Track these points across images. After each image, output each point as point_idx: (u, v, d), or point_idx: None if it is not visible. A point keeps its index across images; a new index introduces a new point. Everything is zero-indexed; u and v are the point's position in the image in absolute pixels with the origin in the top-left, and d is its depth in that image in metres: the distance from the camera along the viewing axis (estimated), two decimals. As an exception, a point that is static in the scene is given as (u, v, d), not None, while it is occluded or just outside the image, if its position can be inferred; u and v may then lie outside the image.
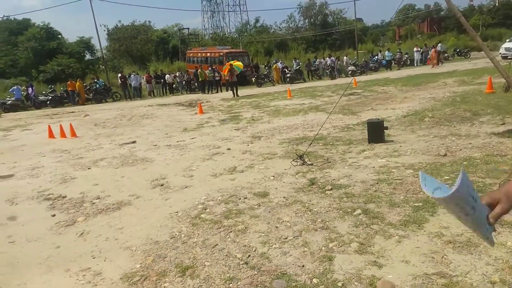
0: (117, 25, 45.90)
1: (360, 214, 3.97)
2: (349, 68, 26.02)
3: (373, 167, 5.56)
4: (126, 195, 5.41)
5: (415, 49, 30.25)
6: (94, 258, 3.64)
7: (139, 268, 3.34)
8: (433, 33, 53.33)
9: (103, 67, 34.31)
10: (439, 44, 28.10)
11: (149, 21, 50.38)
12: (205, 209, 4.59)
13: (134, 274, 3.24)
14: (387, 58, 29.26)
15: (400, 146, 6.57)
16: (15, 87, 22.35)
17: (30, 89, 22.24)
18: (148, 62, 41.11)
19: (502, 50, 24.78)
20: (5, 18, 43.88)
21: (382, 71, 27.41)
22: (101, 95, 23.43)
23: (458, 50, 33.40)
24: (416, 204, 4.07)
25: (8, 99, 21.95)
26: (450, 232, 3.39)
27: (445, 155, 5.73)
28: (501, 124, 7.22)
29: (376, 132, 6.98)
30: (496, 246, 3.09)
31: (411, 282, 2.75)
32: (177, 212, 4.60)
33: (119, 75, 25.24)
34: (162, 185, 5.77)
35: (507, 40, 26.69)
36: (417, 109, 9.92)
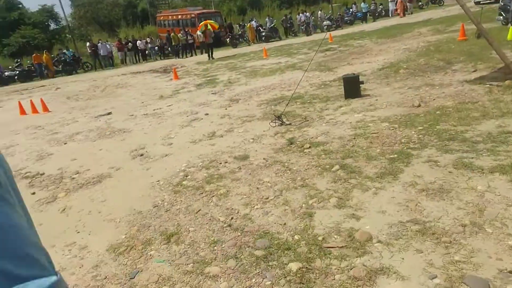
0: (79, -11, 43.42)
1: (338, 170, 4.07)
2: (324, 23, 25.60)
3: (350, 123, 5.64)
4: (106, 168, 5.37)
5: (389, -1, 29.84)
6: (79, 232, 3.66)
7: (124, 239, 3.38)
8: (408, -19, 52.37)
9: (70, 36, 32.78)
10: None
11: (114, -16, 47.75)
12: (187, 176, 4.61)
13: (120, 245, 3.29)
14: (363, 11, 28.85)
15: (376, 100, 6.65)
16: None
17: None
18: (117, 28, 39.45)
19: (475, -4, 24.70)
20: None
21: (357, 24, 27.10)
22: (71, 66, 22.51)
23: (432, -3, 33.07)
24: (391, 156, 4.18)
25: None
26: (423, 181, 3.53)
27: (419, 105, 5.84)
28: (473, 71, 7.34)
29: (352, 87, 7.01)
30: (467, 190, 3.25)
31: (387, 230, 2.89)
32: (158, 181, 4.61)
33: (88, 44, 24.20)
34: (141, 155, 5.74)
35: (480, -15, 26.53)
36: (392, 61, 9.95)
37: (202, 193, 4.07)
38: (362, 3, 29.41)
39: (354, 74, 7.40)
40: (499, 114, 4.88)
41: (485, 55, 8.33)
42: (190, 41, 23.16)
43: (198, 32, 20.68)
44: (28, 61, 23.22)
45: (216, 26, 22.94)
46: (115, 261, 3.08)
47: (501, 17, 12.40)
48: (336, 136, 5.15)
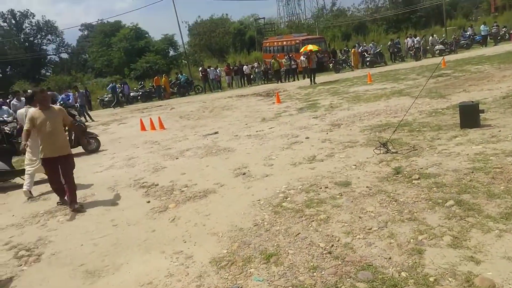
0: (197, 20, 48.12)
1: (452, 206, 3.70)
2: (437, 47, 24.02)
3: (467, 155, 5.11)
4: (211, 184, 5.70)
5: (516, 20, 26.78)
6: (185, 242, 3.91)
7: (226, 254, 3.51)
8: (539, 0, 46.60)
9: (185, 61, 36.20)
10: None
11: (226, 14, 51.96)
12: (286, 198, 4.64)
13: (222, 259, 3.42)
14: (482, 33, 26.36)
15: (499, 131, 5.94)
16: (111, 85, 24.65)
17: (125, 86, 24.30)
18: (226, 54, 42.39)
19: None
20: (99, 21, 48.58)
21: (475, 48, 24.85)
22: (184, 88, 24.80)
23: None
24: (520, 195, 3.66)
25: (105, 96, 24.32)
26: None
27: (556, 140, 5.05)
28: None
29: (470, 116, 6.38)
30: None
31: (516, 281, 2.50)
32: (259, 200, 4.72)
33: (200, 69, 26.44)
34: (244, 173, 5.96)
35: None
36: (519, 88, 8.84)
37: (301, 217, 4.04)
38: (482, 26, 26.96)
39: (472, 101, 6.74)
40: None
41: None
42: (293, 66, 23.71)
43: (302, 58, 21.08)
44: (150, 84, 26.24)
45: (317, 47, 23.18)
46: (217, 273, 3.21)
47: None
48: (450, 169, 4.71)
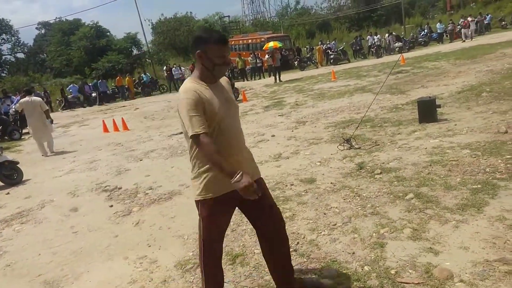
0: (160, 18, 47.16)
1: (412, 199, 3.81)
2: (396, 44, 24.83)
3: (425, 148, 5.30)
4: (176, 185, 5.60)
5: (469, 19, 28.14)
6: (150, 246, 3.81)
7: (192, 256, 3.45)
8: (488, 0, 49.19)
9: (149, 61, 35.46)
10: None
11: (190, 12, 51.32)
12: (253, 197, 4.62)
13: (187, 262, 3.36)
14: (438, 31, 27.51)
15: (455, 125, 6.20)
16: (71, 86, 23.76)
17: (87, 87, 23.48)
18: (191, 53, 41.88)
19: None
20: (57, 19, 46.67)
21: (432, 45, 25.88)
22: (149, 88, 24.29)
23: (518, 16, 30.65)
24: (474, 187, 3.83)
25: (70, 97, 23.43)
26: (514, 216, 3.17)
27: (506, 132, 5.32)
28: None
29: (428, 111, 6.62)
30: None
31: (471, 269, 2.61)
32: (225, 200, 4.67)
33: (165, 67, 25.97)
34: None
35: None
36: (473, 83, 9.28)
37: (267, 215, 4.03)
38: (438, 24, 28.12)
39: (430, 97, 7.00)
40: None
41: None
42: (259, 64, 23.77)
43: (266, 56, 21.18)
44: (113, 84, 25.49)
45: (279, 45, 23.44)
46: (182, 277, 3.14)
47: None
48: (410, 163, 4.86)
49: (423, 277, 2.60)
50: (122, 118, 12.21)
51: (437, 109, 6.67)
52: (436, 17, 44.13)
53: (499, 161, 4.37)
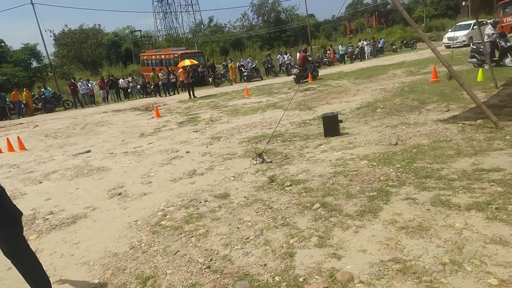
0: (63, 30, 43.99)
1: (318, 208, 4.06)
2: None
3: (330, 160, 5.70)
4: (81, 208, 5.20)
5: (365, 42, 31.31)
6: (49, 277, 3.46)
7: (97, 284, 3.22)
8: (381, 26, 55.42)
9: (51, 74, 32.76)
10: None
11: (99, 25, 48.89)
12: (165, 216, 4.50)
13: (93, 290, 3.13)
14: (340, 52, 30.09)
15: (355, 138, 6.78)
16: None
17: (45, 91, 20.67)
18: (100, 67, 39.76)
19: (445, 40, 26.24)
20: None
21: (336, 65, 28.15)
22: (51, 104, 22.35)
23: (405, 41, 34.96)
24: (371, 194, 4.21)
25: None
26: (403, 218, 3.55)
27: (396, 144, 5.98)
28: (446, 111, 7.63)
29: (332, 125, 7.16)
30: (445, 228, 3.27)
31: (369, 270, 2.85)
32: (136, 221, 4.48)
33: (68, 82, 24.20)
34: (120, 194, 5.60)
35: (449, 30, 28.25)
36: (369, 100, 10.28)
37: (180, 233, 3.96)
38: (340, 46, 30.75)
39: (333, 113, 7.58)
40: (472, 152, 5.03)
41: (456, 96, 8.72)
42: (173, 80, 23.45)
43: (180, 71, 21.05)
44: (8, 99, 22.92)
45: (195, 62, 23.57)
46: (86, 307, 2.91)
47: (474, 59, 13.05)
48: (317, 174, 5.18)
49: (327, 282, 2.77)
50: (18, 137, 11.03)
51: (339, 124, 7.24)
52: (338, 39, 48.25)
53: (391, 170, 4.89)
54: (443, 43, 26.01)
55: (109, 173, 6.89)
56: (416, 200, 3.89)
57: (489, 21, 22.64)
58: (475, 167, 4.53)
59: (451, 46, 24.07)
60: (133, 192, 5.58)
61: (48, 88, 24.02)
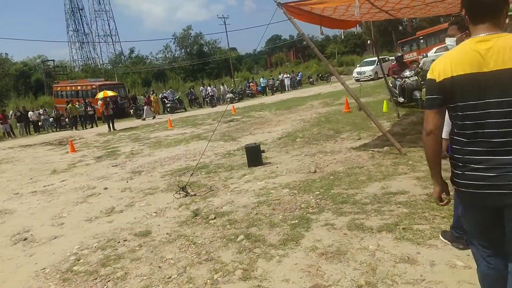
0: (-38, 58, 39.75)
1: (243, 240, 4.04)
2: (227, 95, 27.01)
3: (254, 190, 5.77)
4: (-23, 258, 4.56)
5: (285, 75, 33.04)
6: None
7: None
8: (299, 60, 59.19)
9: None
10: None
11: (6, 53, 45.12)
12: (79, 260, 4.13)
13: None
14: (262, 85, 31.29)
15: (277, 167, 6.98)
16: None
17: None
18: (6, 98, 36.37)
19: (354, 74, 28.83)
20: None
21: (258, 97, 29.13)
22: None
23: (320, 75, 37.58)
24: (293, 222, 4.32)
25: None
26: (323, 244, 3.68)
27: (315, 171, 6.28)
28: (358, 139, 8.26)
29: (255, 156, 7.31)
30: (360, 250, 3.46)
31: (292, 299, 2.88)
32: (44, 268, 4.04)
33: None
34: (25, 239, 5.04)
35: (358, 65, 31.14)
36: (290, 130, 10.74)
37: (96, 278, 3.65)
38: (261, 78, 32.04)
39: (255, 143, 7.77)
40: (381, 177, 5.47)
41: (366, 125, 9.50)
42: (90, 112, 22.27)
43: (99, 103, 20.09)
44: None
45: (115, 93, 22.71)
46: None
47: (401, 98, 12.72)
48: (241, 205, 5.19)
49: (252, 316, 2.73)
50: None
51: (262, 153, 7.42)
52: (260, 72, 50.29)
53: (311, 197, 5.09)
54: (353, 77, 28.53)
55: (13, 216, 6.19)
56: (335, 226, 4.07)
57: (391, 57, 25.28)
58: (384, 190, 4.91)
59: (360, 80, 26.51)
60: (41, 236, 5.06)
61: None
